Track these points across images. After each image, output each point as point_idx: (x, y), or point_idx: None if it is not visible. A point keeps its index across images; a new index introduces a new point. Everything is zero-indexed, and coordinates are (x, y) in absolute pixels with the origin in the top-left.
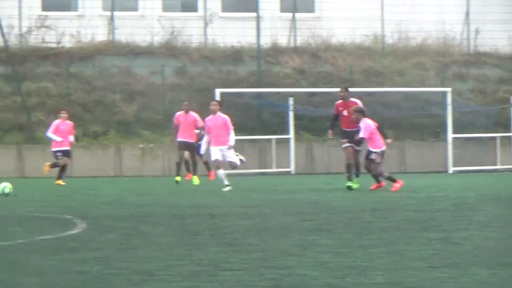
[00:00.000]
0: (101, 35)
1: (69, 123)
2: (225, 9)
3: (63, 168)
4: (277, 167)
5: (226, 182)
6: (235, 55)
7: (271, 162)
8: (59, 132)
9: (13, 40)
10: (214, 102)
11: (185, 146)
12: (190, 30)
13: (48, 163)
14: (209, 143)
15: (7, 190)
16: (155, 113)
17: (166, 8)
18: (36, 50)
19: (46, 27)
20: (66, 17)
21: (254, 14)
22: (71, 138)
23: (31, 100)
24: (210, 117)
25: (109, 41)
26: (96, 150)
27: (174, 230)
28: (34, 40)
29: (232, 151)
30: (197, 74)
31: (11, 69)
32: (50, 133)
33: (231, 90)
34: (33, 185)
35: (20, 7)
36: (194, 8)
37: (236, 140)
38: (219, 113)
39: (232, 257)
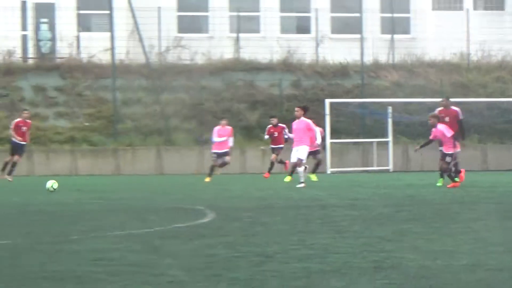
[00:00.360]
0: (228, 53)
1: (228, 128)
2: (333, 31)
3: (212, 168)
4: (378, 166)
5: (302, 180)
6: (342, 70)
7: (372, 162)
8: (219, 136)
9: (153, 58)
10: (297, 108)
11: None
12: (304, 49)
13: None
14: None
15: (56, 186)
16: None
17: (283, 30)
18: (173, 67)
19: (181, 46)
20: (198, 38)
21: (358, 36)
22: (230, 141)
23: (168, 109)
24: (295, 121)
25: (235, 59)
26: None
27: (290, 219)
28: (171, 58)
29: (304, 150)
30: (310, 86)
31: (151, 82)
32: (215, 138)
33: (339, 101)
34: (170, 181)
35: (159, 29)
36: (307, 31)
37: (343, 143)
38: (303, 118)
39: (339, 242)
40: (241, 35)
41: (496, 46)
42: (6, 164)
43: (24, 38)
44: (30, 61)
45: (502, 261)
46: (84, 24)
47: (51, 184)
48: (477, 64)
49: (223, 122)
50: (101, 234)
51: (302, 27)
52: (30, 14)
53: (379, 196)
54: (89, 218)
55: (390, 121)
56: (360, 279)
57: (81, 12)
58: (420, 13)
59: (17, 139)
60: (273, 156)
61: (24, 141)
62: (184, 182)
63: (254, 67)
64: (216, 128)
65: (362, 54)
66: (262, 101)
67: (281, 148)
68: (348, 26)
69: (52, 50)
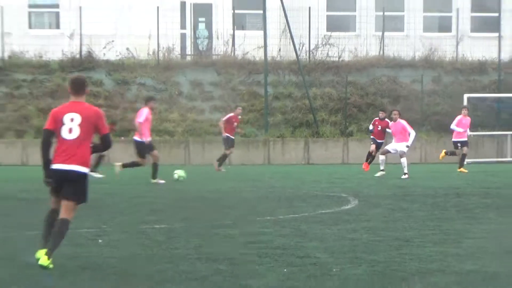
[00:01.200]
0: (373, 51)
1: (468, 118)
2: (473, 30)
3: (463, 157)
4: (511, 157)
5: (382, 168)
6: (480, 67)
7: (506, 153)
8: (459, 125)
9: (303, 55)
10: (395, 112)
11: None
12: (444, 47)
13: (444, 151)
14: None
15: (176, 177)
16: (415, 113)
17: (426, 29)
18: (321, 63)
19: (329, 44)
20: (346, 36)
21: (496, 34)
22: (468, 132)
23: (316, 103)
24: (392, 123)
25: (379, 56)
26: (367, 143)
27: (427, 206)
28: (320, 55)
29: (403, 145)
30: (450, 82)
31: (301, 78)
32: (453, 126)
33: (476, 95)
34: (316, 170)
35: (309, 28)
36: (448, 29)
37: (479, 135)
38: (399, 120)
39: (474, 228)
40: (386, 33)
41: None
42: (224, 156)
43: (183, 37)
44: (188, 58)
45: None
46: (239, 23)
47: (179, 173)
48: None
49: (464, 111)
50: (252, 219)
51: (444, 26)
52: (188, 14)
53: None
54: (242, 205)
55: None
56: (492, 263)
57: (237, 11)
58: None
59: (226, 133)
60: (373, 147)
61: (232, 135)
62: (329, 171)
63: (397, 64)
64: (458, 117)
65: (499, 51)
66: (405, 96)
67: (382, 143)
68: (487, 25)
69: (209, 47)
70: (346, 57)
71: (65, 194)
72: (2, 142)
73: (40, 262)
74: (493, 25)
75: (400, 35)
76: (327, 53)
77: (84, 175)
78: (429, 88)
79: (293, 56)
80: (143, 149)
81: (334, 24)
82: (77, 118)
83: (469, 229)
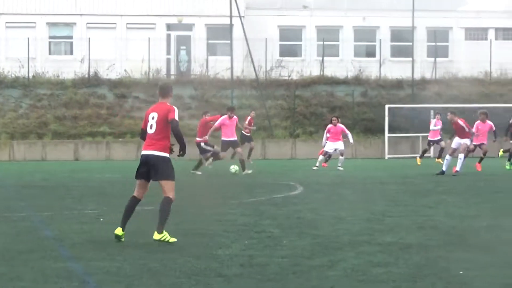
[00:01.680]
0: (315, 72)
1: (440, 122)
2: (392, 55)
3: (441, 151)
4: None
5: (317, 164)
6: (398, 84)
7: (418, 150)
8: (435, 125)
9: (261, 75)
10: (334, 118)
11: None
12: (370, 68)
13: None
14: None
15: (235, 170)
16: (347, 119)
17: (356, 54)
18: (275, 81)
19: (281, 66)
20: (294, 60)
21: (410, 59)
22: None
23: (271, 111)
24: (332, 126)
25: (320, 75)
26: (312, 143)
27: (358, 192)
28: (274, 75)
29: (342, 144)
30: (374, 95)
31: (259, 92)
32: (431, 127)
33: (395, 106)
34: (271, 164)
35: (266, 54)
36: (373, 55)
37: (397, 136)
38: (339, 124)
39: (393, 209)
40: (325, 58)
41: (511, 66)
42: (250, 150)
43: (168, 61)
44: (172, 77)
45: None
46: (211, 50)
47: (234, 168)
48: (497, 80)
49: (437, 116)
50: (221, 202)
51: (370, 52)
52: (173, 43)
53: (423, 175)
54: (214, 191)
55: (432, 121)
56: (408, 236)
57: (210, 41)
58: (456, 42)
59: (246, 132)
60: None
61: (249, 133)
62: (281, 164)
63: (334, 82)
64: (433, 121)
65: (412, 72)
66: (340, 106)
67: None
68: (403, 51)
69: (188, 69)
70: (294, 76)
71: (155, 178)
72: (27, 142)
73: (154, 237)
74: (408, 52)
75: (336, 59)
76: (280, 73)
77: (163, 158)
78: (358, 100)
79: (253, 75)
80: (224, 145)
81: (285, 51)
82: (155, 116)
83: (390, 209)
